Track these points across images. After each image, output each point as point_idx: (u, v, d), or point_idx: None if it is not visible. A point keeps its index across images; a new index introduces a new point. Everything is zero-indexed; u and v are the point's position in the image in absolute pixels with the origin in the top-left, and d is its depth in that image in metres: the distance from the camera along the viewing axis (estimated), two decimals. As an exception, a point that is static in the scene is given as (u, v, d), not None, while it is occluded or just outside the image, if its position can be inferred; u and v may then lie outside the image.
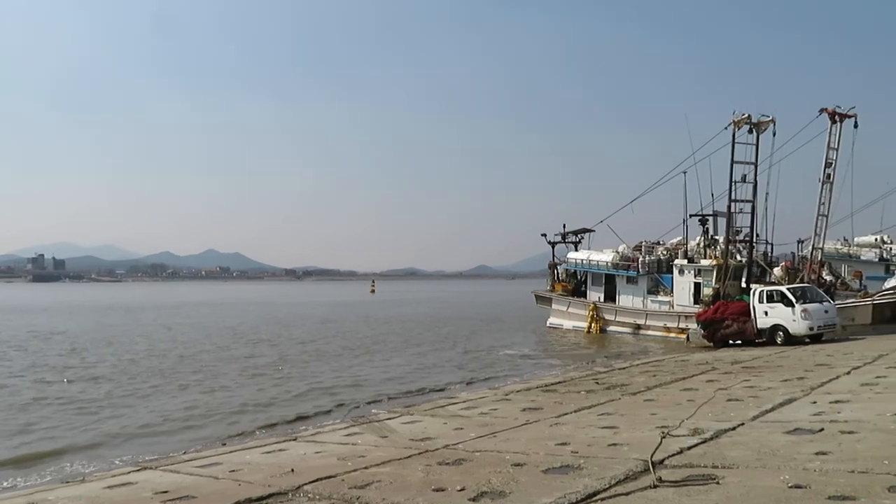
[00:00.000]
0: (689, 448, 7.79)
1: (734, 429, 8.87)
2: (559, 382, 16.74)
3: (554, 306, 39.26)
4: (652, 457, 7.33)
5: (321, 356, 28.27)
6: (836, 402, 10.52)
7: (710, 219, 33.78)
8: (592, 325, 35.61)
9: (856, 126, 29.53)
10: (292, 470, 8.04)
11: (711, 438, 8.30)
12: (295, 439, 11.25)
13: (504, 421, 11.19)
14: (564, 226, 41.00)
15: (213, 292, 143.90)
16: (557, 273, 40.51)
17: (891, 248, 42.44)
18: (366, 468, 7.96)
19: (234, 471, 8.46)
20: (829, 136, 29.47)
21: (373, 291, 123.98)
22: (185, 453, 11.36)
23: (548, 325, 39.28)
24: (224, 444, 12.21)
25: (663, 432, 8.72)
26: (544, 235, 41.10)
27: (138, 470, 9.26)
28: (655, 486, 6.28)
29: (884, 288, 30.15)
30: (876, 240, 41.77)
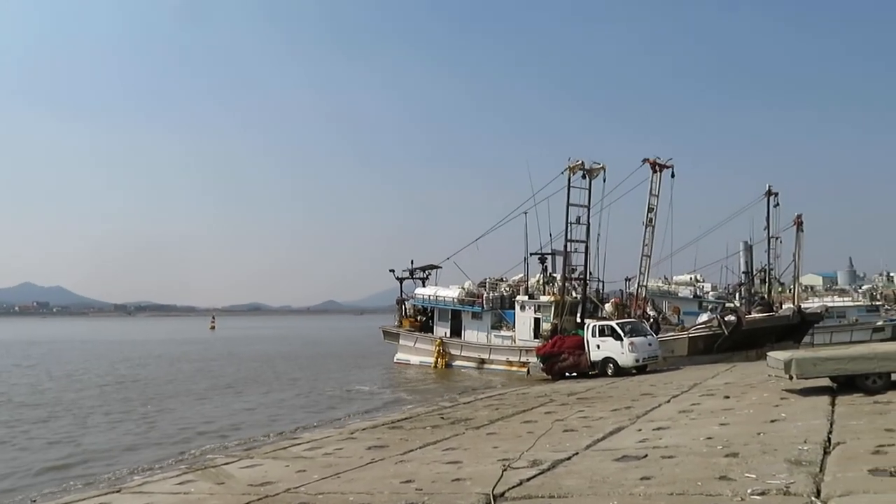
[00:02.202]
0: (528, 479, 8.07)
1: (569, 458, 9.31)
2: (405, 419, 16.76)
3: (401, 342, 39.43)
4: (493, 490, 7.50)
5: (152, 399, 26.30)
6: (659, 428, 11.38)
7: (549, 257, 35.73)
8: (439, 360, 36.10)
9: (672, 176, 32.64)
10: (114, 526, 7.37)
11: (549, 469, 8.65)
12: (119, 491, 10.34)
13: (349, 461, 10.99)
14: (412, 262, 41.61)
15: (32, 330, 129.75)
16: (405, 309, 40.82)
17: (703, 286, 47.12)
18: (199, 519, 7.46)
19: (44, 531, 7.60)
20: (651, 183, 32.36)
21: (213, 328, 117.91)
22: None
23: (395, 360, 39.30)
24: (34, 502, 10.95)
25: (504, 465, 8.97)
26: (392, 271, 41.38)
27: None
28: (496, 519, 6.42)
29: (697, 322, 33.22)
30: (691, 278, 46.20)
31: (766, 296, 40.39)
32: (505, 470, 8.63)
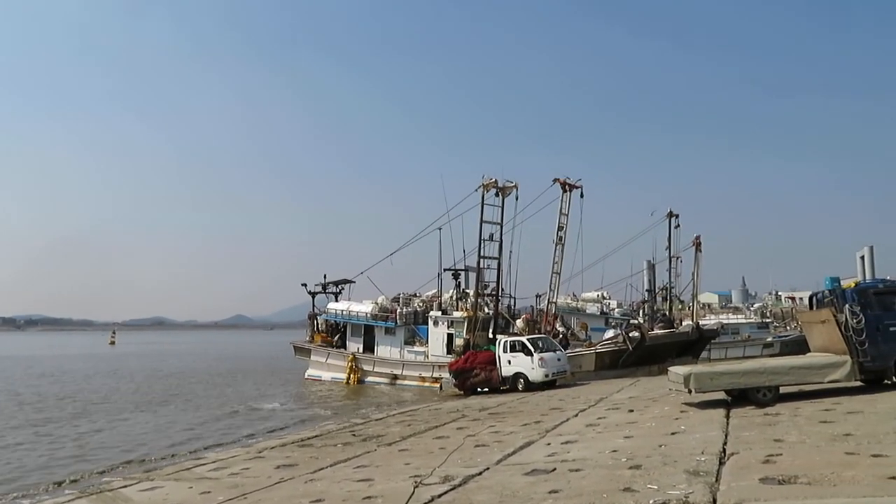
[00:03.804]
0: (440, 496, 8.08)
1: (480, 473, 9.38)
2: (316, 436, 16.44)
3: (313, 357, 38.72)
4: (405, 507, 7.47)
5: (44, 420, 24.69)
6: (567, 442, 11.65)
7: (462, 273, 36.08)
8: (351, 375, 35.66)
9: (582, 196, 33.73)
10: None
11: (460, 484, 8.69)
12: (3, 520, 9.63)
13: (256, 480, 10.66)
14: (325, 276, 41.12)
15: None
16: (317, 324, 40.17)
17: (609, 303, 48.82)
18: (93, 547, 7.04)
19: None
20: (561, 203, 33.32)
21: (112, 343, 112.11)
22: None
23: (306, 376, 38.54)
24: None
25: (416, 481, 8.94)
26: (305, 285, 40.71)
27: None
28: (407, 537, 6.39)
29: (604, 338, 34.30)
30: (598, 296, 47.77)
31: (667, 313, 42.21)
32: (417, 486, 8.61)
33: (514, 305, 36.24)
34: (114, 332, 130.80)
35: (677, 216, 39.62)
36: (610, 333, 35.74)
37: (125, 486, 11.23)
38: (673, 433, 11.24)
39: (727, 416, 12.44)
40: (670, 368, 15.66)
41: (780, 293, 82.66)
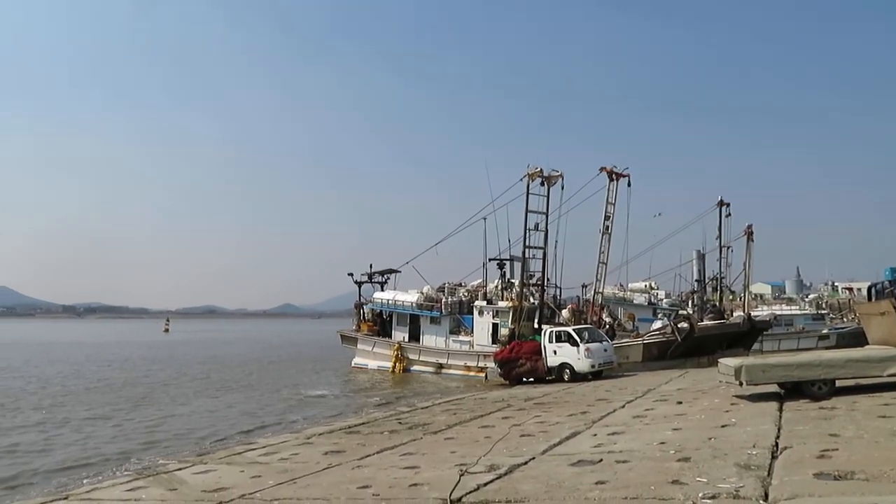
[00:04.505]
0: (486, 484, 8.10)
1: (526, 463, 9.38)
2: (363, 424, 16.67)
3: (359, 346, 39.20)
4: (451, 495, 7.52)
5: (106, 404, 25.63)
6: (613, 433, 11.54)
7: (507, 263, 35.96)
8: (397, 364, 35.97)
9: (629, 185, 33.25)
10: (61, 534, 7.16)
11: (506, 474, 8.70)
12: (66, 498, 10.05)
13: (305, 466, 10.88)
14: (371, 266, 41.52)
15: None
16: (363, 313, 40.61)
17: (657, 294, 48.05)
18: (150, 526, 7.29)
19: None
20: (608, 192, 32.90)
21: (167, 331, 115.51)
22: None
23: (353, 365, 39.06)
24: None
25: (462, 470, 8.99)
26: (351, 275, 41.18)
27: None
28: (453, 524, 6.43)
29: (652, 329, 33.81)
30: (646, 286, 47.05)
31: (717, 303, 41.31)
32: (462, 475, 8.65)
33: (560, 295, 36.02)
34: (168, 320, 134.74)
35: (728, 205, 38.64)
36: (658, 324, 35.20)
37: (180, 469, 11.59)
38: (723, 426, 11.03)
39: (780, 410, 12.13)
40: (721, 360, 15.33)
41: (836, 284, 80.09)
